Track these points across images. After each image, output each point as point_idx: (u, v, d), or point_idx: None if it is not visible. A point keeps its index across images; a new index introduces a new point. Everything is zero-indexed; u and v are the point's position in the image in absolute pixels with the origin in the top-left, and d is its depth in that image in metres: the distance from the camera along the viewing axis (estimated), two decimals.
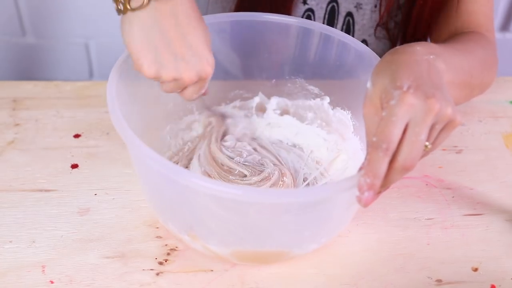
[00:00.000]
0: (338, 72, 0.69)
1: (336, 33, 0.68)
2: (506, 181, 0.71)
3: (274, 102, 0.75)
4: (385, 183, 0.50)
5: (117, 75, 0.58)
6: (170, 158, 0.70)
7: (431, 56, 0.54)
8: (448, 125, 0.50)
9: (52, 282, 0.58)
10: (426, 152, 0.50)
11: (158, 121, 0.69)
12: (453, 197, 0.69)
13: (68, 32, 1.34)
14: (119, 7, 0.54)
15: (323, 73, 0.71)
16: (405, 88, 0.49)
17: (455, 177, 0.71)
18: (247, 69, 0.74)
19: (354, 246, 0.63)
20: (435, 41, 0.81)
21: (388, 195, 0.68)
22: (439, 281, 0.60)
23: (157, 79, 0.57)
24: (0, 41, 1.36)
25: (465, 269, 0.61)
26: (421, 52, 0.54)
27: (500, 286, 0.59)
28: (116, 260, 0.60)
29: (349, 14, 0.86)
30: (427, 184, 0.70)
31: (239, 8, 0.84)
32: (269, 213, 0.55)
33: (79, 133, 0.75)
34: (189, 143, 0.72)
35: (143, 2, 0.53)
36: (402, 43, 0.88)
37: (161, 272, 0.59)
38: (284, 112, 0.75)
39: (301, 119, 0.74)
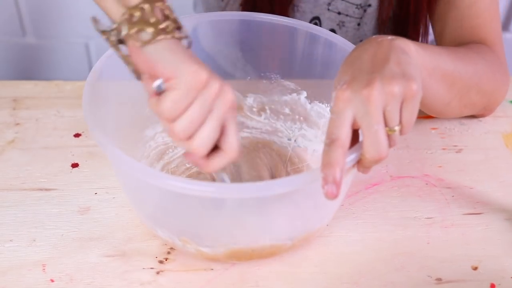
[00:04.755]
0: (317, 69, 0.70)
1: (318, 30, 0.68)
2: (505, 180, 0.71)
3: (250, 100, 0.74)
4: (361, 168, 0.52)
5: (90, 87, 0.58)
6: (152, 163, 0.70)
7: (389, 37, 0.54)
8: (406, 99, 0.49)
9: (52, 281, 0.58)
10: (402, 132, 0.50)
11: (136, 125, 0.68)
12: (453, 196, 0.69)
13: (68, 32, 1.35)
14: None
15: (300, 70, 0.71)
16: (339, 86, 0.50)
17: (455, 176, 0.71)
18: (220, 68, 0.73)
19: (354, 245, 0.63)
20: None
21: (388, 194, 0.68)
22: (439, 279, 0.60)
23: (199, 87, 0.49)
24: (0, 41, 1.36)
25: (465, 268, 0.61)
26: (375, 37, 0.54)
27: (499, 284, 0.59)
28: (116, 258, 0.60)
29: (332, 31, 0.85)
30: (427, 183, 0.70)
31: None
32: (255, 206, 0.55)
33: (79, 132, 0.75)
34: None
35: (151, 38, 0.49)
36: None
37: (162, 271, 0.59)
38: (260, 109, 0.75)
39: (278, 114, 0.74)
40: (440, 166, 0.72)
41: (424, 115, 0.79)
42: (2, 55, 1.38)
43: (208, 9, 0.90)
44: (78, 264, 0.60)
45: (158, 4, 0.50)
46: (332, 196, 0.48)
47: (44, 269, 0.59)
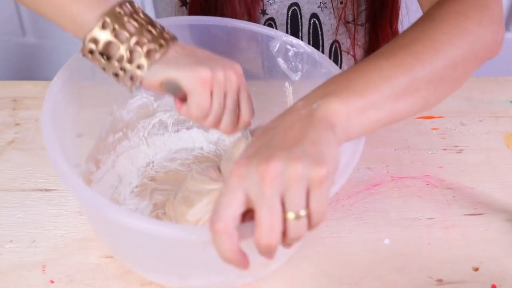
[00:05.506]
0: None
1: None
2: (506, 181, 0.71)
3: None
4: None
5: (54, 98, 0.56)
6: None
7: (314, 105, 0.46)
8: (312, 185, 0.42)
9: (52, 282, 0.58)
10: (313, 224, 0.43)
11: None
12: (453, 197, 0.68)
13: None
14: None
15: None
16: (238, 160, 0.43)
17: (456, 177, 0.71)
18: None
19: (355, 246, 0.63)
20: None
21: (388, 195, 0.68)
22: (439, 281, 0.60)
23: (210, 84, 0.54)
24: (0, 41, 1.36)
25: (466, 269, 0.61)
26: (300, 105, 0.47)
27: (501, 286, 0.59)
28: (116, 259, 0.60)
29: (314, 15, 0.82)
30: (427, 184, 0.70)
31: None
32: None
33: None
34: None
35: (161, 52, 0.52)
36: (373, 38, 0.86)
37: None
38: None
39: None
40: (441, 167, 0.72)
41: (424, 115, 0.79)
42: (2, 55, 1.38)
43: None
44: (78, 265, 0.60)
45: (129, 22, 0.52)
46: (245, 269, 0.44)
47: (44, 270, 0.59)
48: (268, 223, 0.41)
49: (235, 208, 0.42)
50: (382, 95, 0.48)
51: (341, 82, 0.48)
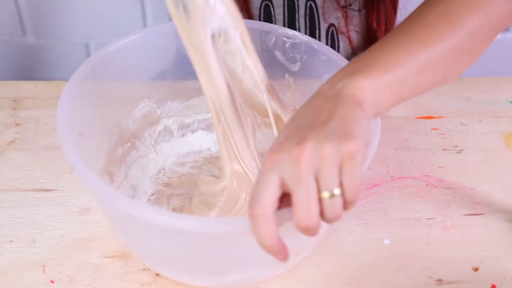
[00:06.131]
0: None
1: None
2: (506, 181, 0.71)
3: None
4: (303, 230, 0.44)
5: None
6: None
7: (340, 85, 0.47)
8: (344, 161, 0.42)
9: (52, 282, 0.58)
10: (348, 202, 0.43)
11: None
12: (453, 197, 0.68)
13: (68, 32, 1.34)
14: None
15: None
16: (271, 146, 0.44)
17: (456, 177, 0.71)
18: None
19: (354, 245, 0.63)
20: None
21: (388, 195, 0.68)
22: (439, 281, 0.60)
23: None
24: (0, 41, 1.36)
25: (465, 269, 0.61)
26: (326, 88, 0.48)
27: (500, 286, 0.59)
28: (116, 259, 0.60)
29: None
30: (427, 184, 0.70)
31: None
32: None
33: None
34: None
35: None
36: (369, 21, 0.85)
37: None
38: None
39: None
40: (441, 167, 0.72)
41: (423, 116, 0.79)
42: (2, 55, 1.38)
43: None
44: (78, 265, 0.60)
45: None
46: (285, 259, 0.44)
47: (44, 270, 0.59)
48: (305, 205, 0.42)
49: (273, 192, 0.43)
50: (405, 69, 0.49)
51: (364, 61, 0.50)
